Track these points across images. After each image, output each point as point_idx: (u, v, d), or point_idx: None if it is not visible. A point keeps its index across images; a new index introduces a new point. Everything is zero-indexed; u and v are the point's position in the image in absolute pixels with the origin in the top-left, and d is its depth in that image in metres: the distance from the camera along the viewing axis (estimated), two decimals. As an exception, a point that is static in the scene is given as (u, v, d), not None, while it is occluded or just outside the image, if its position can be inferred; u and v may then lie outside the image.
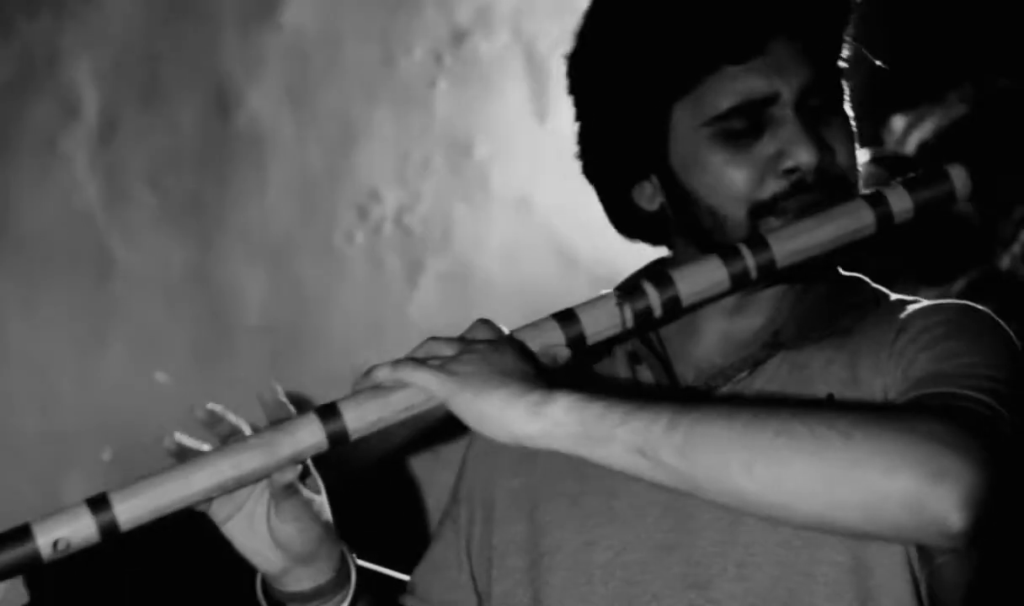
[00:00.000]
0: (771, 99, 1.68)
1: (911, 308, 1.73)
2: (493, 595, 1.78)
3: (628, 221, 1.83)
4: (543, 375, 1.55)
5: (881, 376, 1.67)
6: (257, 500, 1.68)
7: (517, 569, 1.77)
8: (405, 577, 1.93)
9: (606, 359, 1.82)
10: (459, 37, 3.87)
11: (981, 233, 3.67)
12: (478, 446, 1.88)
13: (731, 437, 1.46)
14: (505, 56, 3.91)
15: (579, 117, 1.80)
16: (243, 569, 1.77)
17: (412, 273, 3.88)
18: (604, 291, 1.65)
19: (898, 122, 3.75)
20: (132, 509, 1.51)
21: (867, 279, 1.81)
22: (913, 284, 3.57)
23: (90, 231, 3.73)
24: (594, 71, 1.76)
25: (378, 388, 1.59)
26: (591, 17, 1.78)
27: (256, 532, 1.69)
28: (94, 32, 3.71)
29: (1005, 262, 3.66)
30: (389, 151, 3.87)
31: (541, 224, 3.75)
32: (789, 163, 1.68)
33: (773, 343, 1.74)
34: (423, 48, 3.87)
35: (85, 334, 3.71)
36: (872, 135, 3.70)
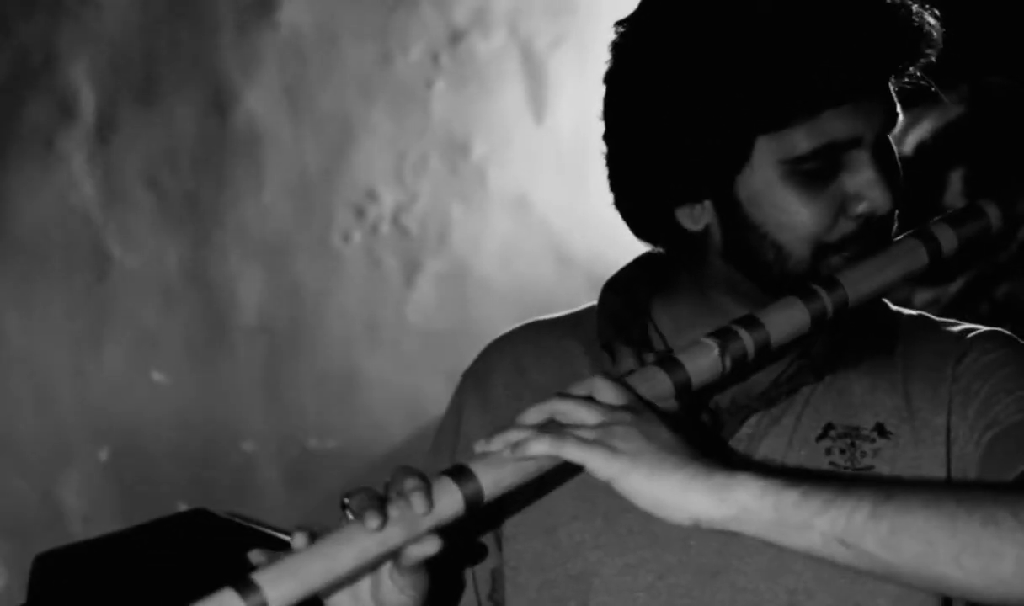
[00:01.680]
0: (855, 142, 1.65)
1: (959, 335, 1.71)
2: None
3: (659, 233, 1.74)
4: (697, 449, 1.50)
5: (943, 414, 1.66)
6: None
7: (524, 588, 1.75)
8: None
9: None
10: (456, 37, 3.87)
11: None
12: (468, 449, 1.83)
13: (939, 528, 1.45)
14: (502, 56, 3.90)
15: (630, 119, 1.68)
16: (244, 569, 1.74)
17: (409, 273, 3.88)
18: (702, 339, 1.61)
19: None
20: (282, 592, 1.44)
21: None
22: (912, 283, 3.57)
23: (87, 230, 3.72)
24: (671, 80, 1.63)
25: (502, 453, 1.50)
26: (675, 17, 1.65)
27: (357, 598, 1.58)
28: (91, 32, 3.71)
29: (1004, 261, 3.66)
30: (386, 151, 3.87)
31: (538, 223, 3.75)
32: (864, 207, 1.64)
33: (809, 367, 1.70)
34: (420, 48, 3.87)
35: (82, 333, 3.71)
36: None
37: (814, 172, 1.63)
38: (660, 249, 1.78)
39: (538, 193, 3.81)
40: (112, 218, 3.74)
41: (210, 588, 1.48)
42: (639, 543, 1.67)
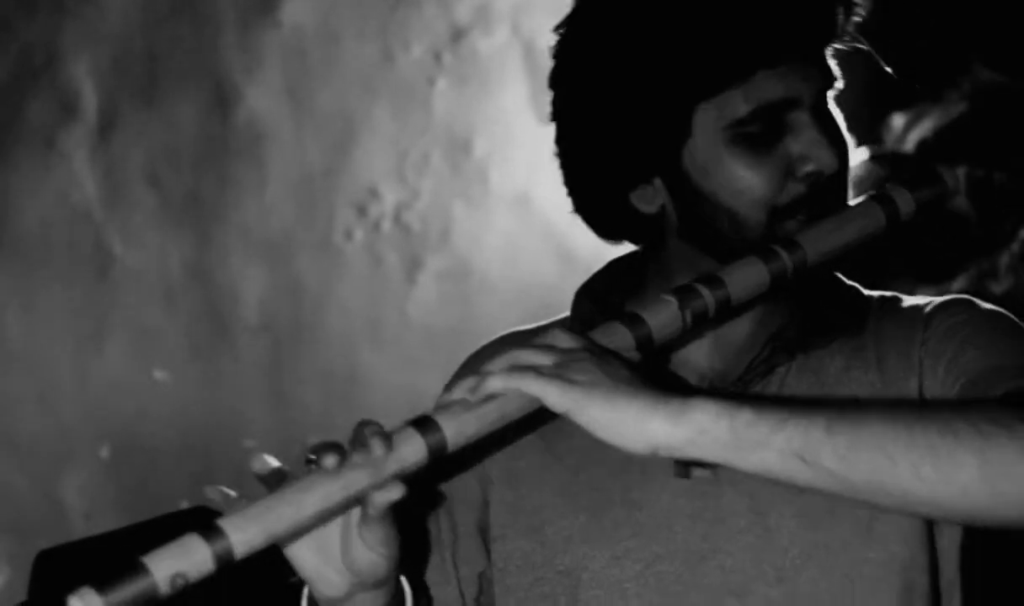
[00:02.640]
0: (792, 103, 1.67)
1: (924, 305, 1.73)
2: None
3: (618, 222, 1.77)
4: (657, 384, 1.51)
5: (915, 375, 1.67)
6: (331, 523, 1.57)
7: (514, 589, 1.75)
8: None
9: None
10: (458, 35, 3.87)
11: (980, 231, 3.67)
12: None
13: (896, 438, 1.44)
14: (504, 54, 3.91)
15: (576, 114, 1.73)
16: (246, 569, 1.74)
17: (411, 270, 3.88)
18: (663, 295, 1.63)
19: (897, 120, 3.75)
20: (247, 537, 1.44)
21: (839, 274, 1.81)
22: (912, 283, 3.58)
23: (89, 229, 3.73)
24: (607, 68, 1.69)
25: (465, 400, 1.50)
26: (604, 10, 1.70)
27: (326, 555, 1.58)
28: (93, 30, 3.71)
29: (1004, 261, 3.66)
30: (388, 149, 3.87)
31: (540, 221, 3.75)
32: (811, 167, 1.66)
33: (782, 348, 1.72)
34: (422, 46, 3.87)
35: (84, 331, 3.71)
36: (872, 133, 3.70)
37: (757, 136, 1.66)
38: (630, 247, 1.80)
39: (540, 191, 3.81)
40: (114, 216, 3.74)
41: (210, 586, 1.48)
42: (624, 534, 1.67)
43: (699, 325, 1.62)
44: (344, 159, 3.85)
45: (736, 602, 1.65)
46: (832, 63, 1.71)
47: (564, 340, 1.52)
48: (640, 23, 1.66)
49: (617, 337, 1.57)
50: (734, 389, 1.71)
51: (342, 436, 1.57)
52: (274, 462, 1.54)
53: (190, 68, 3.78)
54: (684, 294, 1.61)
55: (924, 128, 3.75)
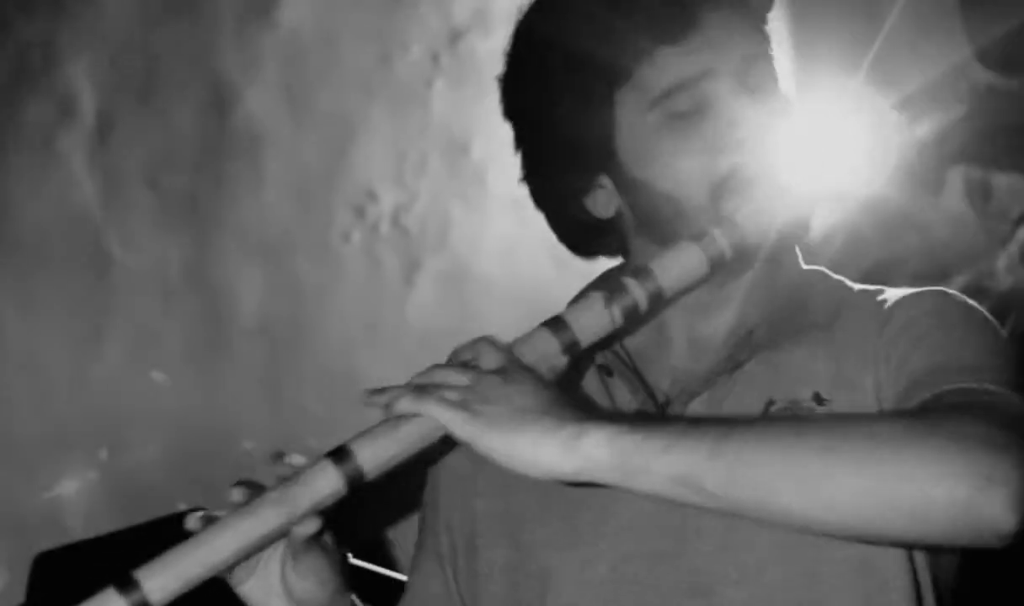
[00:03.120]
0: (708, 74, 1.66)
1: (890, 299, 1.72)
2: None
3: (584, 235, 1.81)
4: (562, 403, 1.53)
5: (871, 373, 1.66)
6: (270, 556, 1.63)
7: (497, 596, 1.75)
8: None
9: (572, 374, 1.78)
10: (456, 36, 3.87)
11: (978, 232, 3.68)
12: (448, 472, 1.83)
13: (776, 461, 1.45)
14: (502, 55, 3.90)
15: (521, 137, 1.78)
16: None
17: (409, 272, 3.88)
18: (590, 293, 1.64)
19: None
20: (163, 586, 1.49)
21: (828, 271, 1.80)
22: (910, 283, 3.57)
23: (87, 230, 3.73)
24: (531, 82, 1.75)
25: (388, 421, 1.56)
26: (519, 34, 1.77)
27: (268, 586, 1.63)
28: (91, 31, 3.71)
29: (1002, 261, 3.66)
30: (386, 150, 3.87)
31: (538, 223, 3.73)
32: (740, 131, 1.66)
33: (750, 344, 1.72)
34: (420, 47, 3.87)
35: (82, 333, 3.71)
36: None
37: (681, 115, 1.67)
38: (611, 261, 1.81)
39: (538, 193, 3.81)
40: (112, 218, 3.74)
41: (210, 588, 1.50)
42: (594, 537, 1.69)
43: (634, 321, 1.63)
44: (342, 161, 3.85)
45: (701, 601, 1.66)
46: (763, 25, 1.71)
47: (487, 356, 1.56)
48: (549, 29, 1.72)
49: (543, 344, 1.58)
50: (699, 388, 1.72)
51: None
52: (201, 515, 1.57)
53: (188, 70, 3.77)
54: (612, 291, 1.61)
55: (922, 129, 3.75)
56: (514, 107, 1.78)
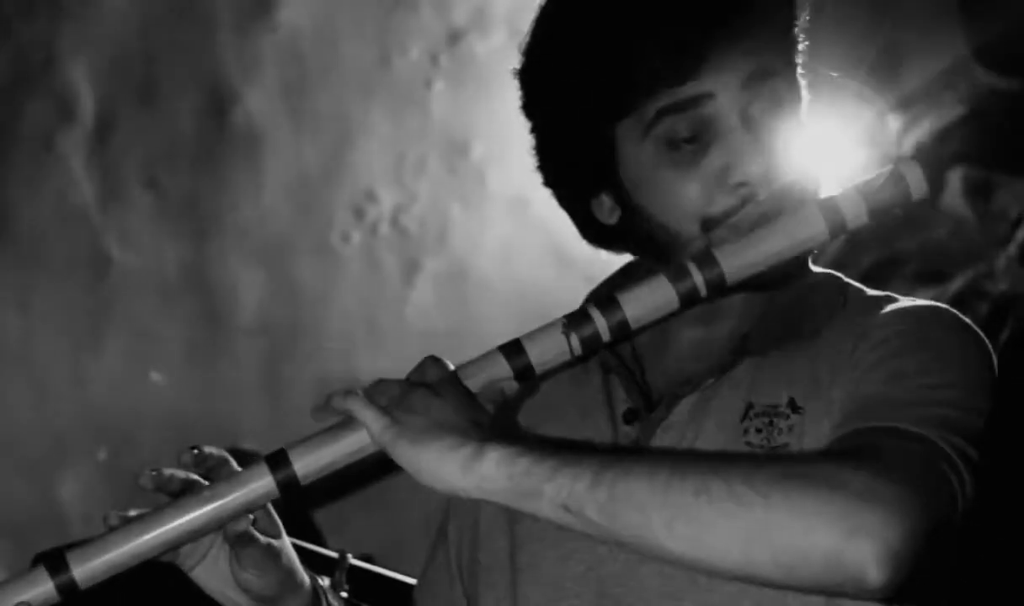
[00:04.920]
0: (706, 96, 1.66)
1: (877, 312, 1.70)
2: None
3: (591, 232, 1.82)
4: (481, 423, 1.56)
5: (840, 386, 1.65)
6: (220, 546, 1.71)
7: (498, 585, 1.77)
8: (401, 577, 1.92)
9: (580, 369, 1.79)
10: (455, 37, 3.87)
11: (978, 233, 3.67)
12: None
13: (652, 495, 1.47)
14: (502, 56, 3.89)
15: (534, 131, 1.81)
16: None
17: (408, 273, 3.88)
18: (556, 319, 1.65)
19: (893, 123, 3.75)
20: (89, 570, 1.59)
21: (840, 275, 1.78)
22: (910, 283, 3.58)
23: (86, 231, 3.72)
24: (542, 90, 1.76)
25: (329, 430, 1.61)
26: (537, 36, 1.76)
27: (220, 576, 1.71)
28: (90, 32, 3.71)
29: (1001, 262, 3.66)
30: (385, 151, 3.87)
31: (537, 224, 3.75)
32: (737, 177, 1.65)
33: (741, 349, 1.72)
34: (419, 48, 3.87)
35: (81, 333, 3.71)
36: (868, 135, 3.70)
37: (682, 144, 1.67)
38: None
39: (538, 194, 3.77)
40: (111, 218, 3.74)
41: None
42: (574, 535, 1.69)
43: (592, 351, 1.64)
44: (341, 161, 3.85)
45: (671, 604, 1.67)
46: (773, 36, 1.69)
47: (429, 372, 1.61)
48: (561, 48, 1.72)
49: (494, 367, 1.62)
50: (686, 391, 1.72)
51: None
52: (119, 514, 1.69)
53: (187, 70, 3.77)
54: (574, 319, 1.63)
55: (921, 130, 3.75)
56: (528, 106, 1.80)
